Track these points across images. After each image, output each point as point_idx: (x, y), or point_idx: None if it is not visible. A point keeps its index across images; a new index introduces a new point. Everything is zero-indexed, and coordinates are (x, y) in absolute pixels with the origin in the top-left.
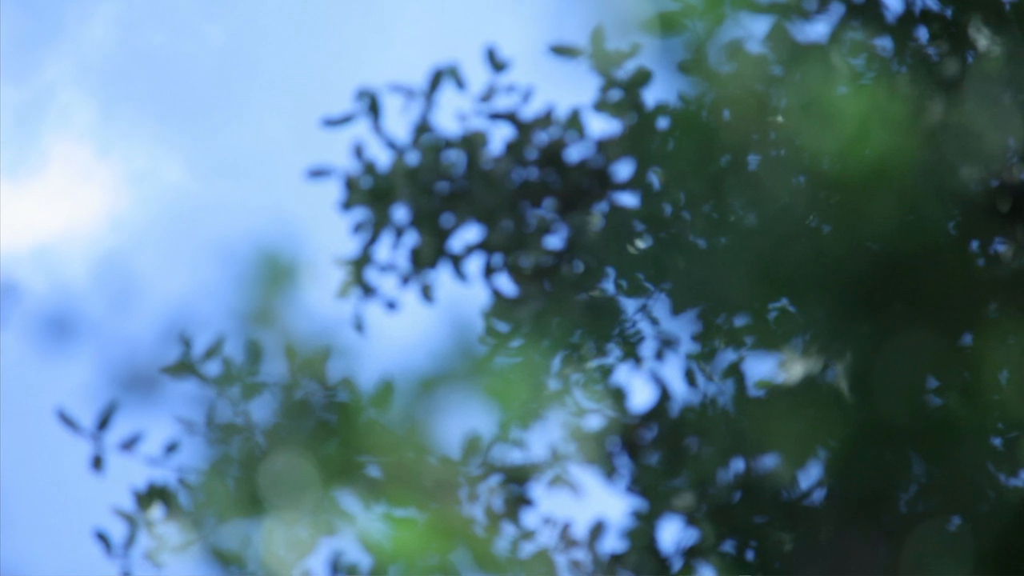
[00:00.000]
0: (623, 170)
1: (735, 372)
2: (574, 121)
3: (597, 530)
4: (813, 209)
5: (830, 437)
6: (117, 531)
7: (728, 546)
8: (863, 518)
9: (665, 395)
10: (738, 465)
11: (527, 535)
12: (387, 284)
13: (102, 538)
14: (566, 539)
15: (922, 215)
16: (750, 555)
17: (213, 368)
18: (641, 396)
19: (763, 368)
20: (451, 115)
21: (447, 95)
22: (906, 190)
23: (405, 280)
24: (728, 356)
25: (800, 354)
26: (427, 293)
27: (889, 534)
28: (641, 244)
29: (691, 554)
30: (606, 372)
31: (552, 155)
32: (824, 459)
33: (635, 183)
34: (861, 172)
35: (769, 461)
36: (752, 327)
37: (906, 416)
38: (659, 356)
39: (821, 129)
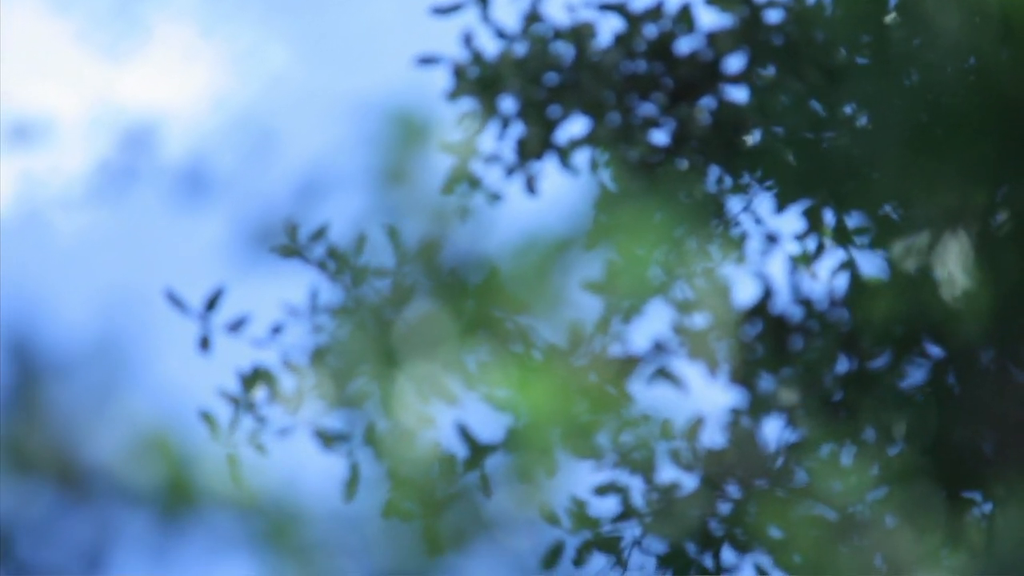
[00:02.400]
0: (733, 64)
1: (843, 269)
2: (684, 14)
3: (698, 424)
4: (963, 65)
5: (949, 327)
6: (223, 413)
7: (829, 445)
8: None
9: (768, 292)
10: (843, 363)
11: (628, 425)
12: (492, 175)
13: (208, 419)
14: (667, 432)
15: None
16: (849, 455)
17: (319, 251)
18: (745, 292)
19: (871, 264)
20: (560, 5)
21: None
22: None
23: (510, 172)
24: (835, 252)
25: (917, 242)
26: (531, 185)
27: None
28: (749, 139)
29: (793, 451)
30: (710, 268)
31: (661, 48)
32: (937, 350)
33: (745, 77)
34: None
35: (877, 358)
36: (863, 227)
37: None
38: (763, 253)
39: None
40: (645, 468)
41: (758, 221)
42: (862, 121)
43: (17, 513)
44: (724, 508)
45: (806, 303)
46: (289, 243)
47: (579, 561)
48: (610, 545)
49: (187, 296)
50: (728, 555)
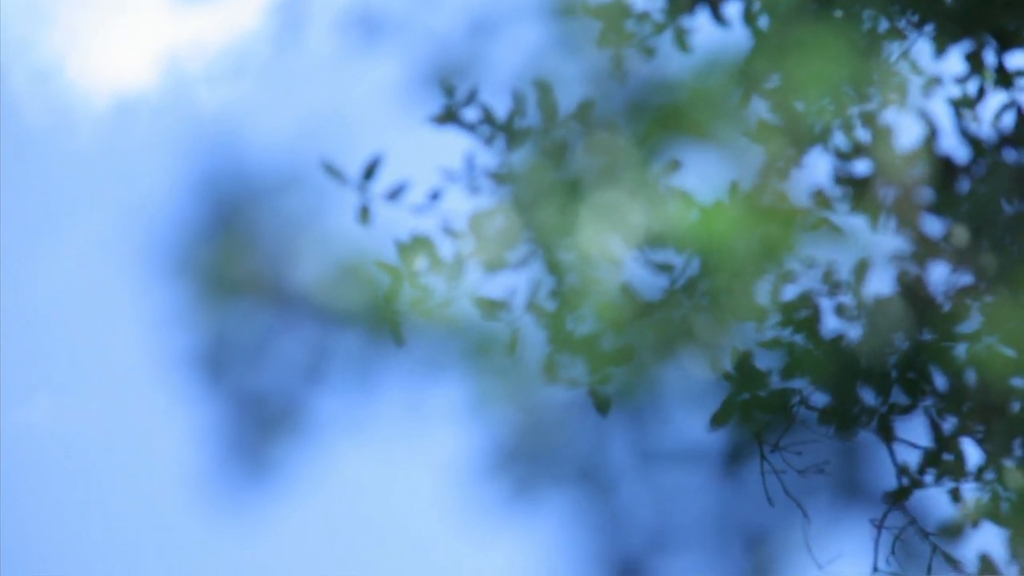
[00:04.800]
0: None
1: (1006, 110)
2: None
3: (861, 272)
4: None
5: None
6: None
7: (1000, 288)
8: None
9: (933, 133)
10: (1013, 203)
11: (789, 276)
12: (643, 32)
13: (369, 286)
14: (830, 281)
15: None
16: (1021, 297)
17: (473, 114)
18: (908, 136)
19: None
20: None
21: None
22: None
23: (660, 29)
24: (997, 95)
25: None
26: (681, 40)
27: None
28: None
29: (961, 295)
30: (869, 114)
31: None
32: None
33: None
34: None
35: None
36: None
37: None
38: (925, 95)
39: None
40: (810, 322)
41: (915, 67)
42: None
43: (229, 336)
44: (891, 358)
45: (973, 142)
46: (445, 108)
47: (745, 418)
48: (776, 401)
49: (352, 155)
50: (895, 406)
